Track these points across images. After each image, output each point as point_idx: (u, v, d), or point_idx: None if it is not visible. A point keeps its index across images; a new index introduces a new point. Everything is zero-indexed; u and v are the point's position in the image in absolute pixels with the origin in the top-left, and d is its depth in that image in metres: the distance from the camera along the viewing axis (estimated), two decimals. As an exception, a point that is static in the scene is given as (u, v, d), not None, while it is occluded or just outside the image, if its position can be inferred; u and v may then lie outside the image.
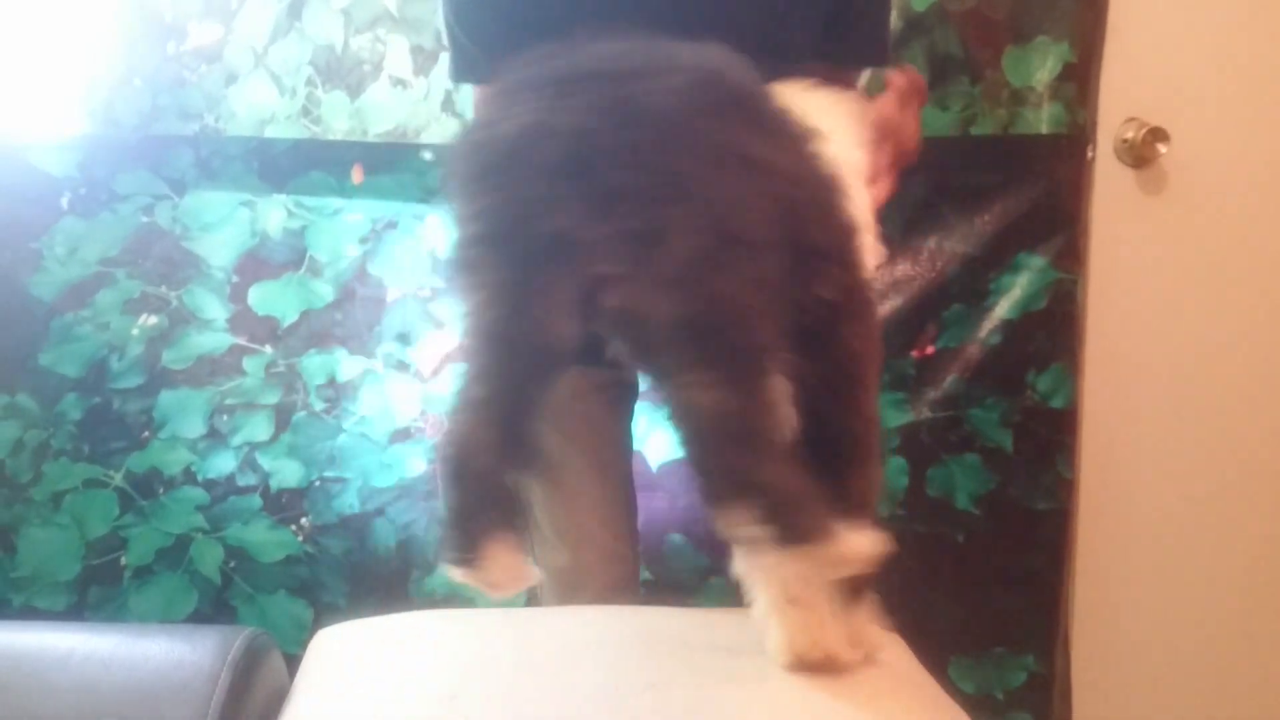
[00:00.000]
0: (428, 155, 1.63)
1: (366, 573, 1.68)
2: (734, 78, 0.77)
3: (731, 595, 1.01)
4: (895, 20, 1.59)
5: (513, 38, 1.19)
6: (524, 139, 0.68)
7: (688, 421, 0.69)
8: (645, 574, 1.61)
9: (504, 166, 0.69)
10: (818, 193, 0.79)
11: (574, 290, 0.69)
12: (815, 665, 0.86)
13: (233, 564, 1.67)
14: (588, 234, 0.67)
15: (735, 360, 0.68)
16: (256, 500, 1.66)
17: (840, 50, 1.34)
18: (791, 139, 0.78)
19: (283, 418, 1.66)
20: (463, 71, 1.23)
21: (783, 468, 0.68)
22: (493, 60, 1.20)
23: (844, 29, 1.31)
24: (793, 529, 0.66)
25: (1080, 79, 1.63)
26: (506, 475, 0.72)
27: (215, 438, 1.66)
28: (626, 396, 1.42)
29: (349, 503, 1.67)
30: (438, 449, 0.73)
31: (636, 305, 0.69)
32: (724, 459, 0.67)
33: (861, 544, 0.67)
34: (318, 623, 1.41)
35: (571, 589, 1.37)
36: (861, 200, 0.90)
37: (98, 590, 1.66)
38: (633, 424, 1.46)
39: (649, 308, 0.68)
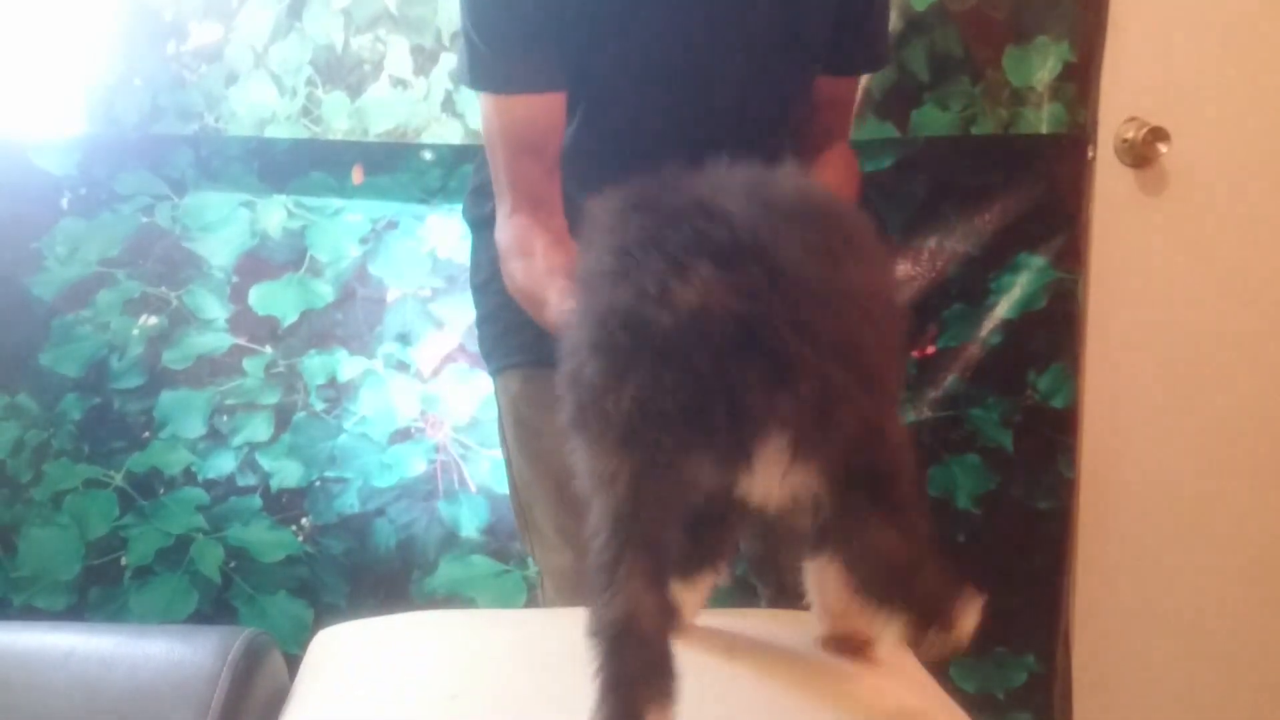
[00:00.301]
0: (428, 155, 1.63)
1: (367, 573, 1.68)
2: (849, 216, 0.82)
3: (732, 596, 1.01)
4: (895, 20, 1.59)
5: (529, 43, 1.20)
6: (696, 323, 0.68)
7: (865, 560, 0.77)
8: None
9: (675, 350, 0.68)
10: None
11: (740, 457, 0.72)
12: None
13: (233, 564, 1.67)
14: (761, 407, 0.70)
15: (907, 501, 0.77)
16: (257, 500, 1.66)
17: (847, 60, 1.34)
18: (886, 263, 0.83)
19: (283, 418, 1.66)
20: (478, 78, 1.22)
21: (933, 574, 0.78)
22: (510, 66, 1.19)
23: (851, 39, 1.32)
24: (941, 623, 0.77)
25: (1080, 79, 1.63)
26: (670, 639, 0.74)
27: (215, 438, 1.66)
28: None
29: (349, 503, 1.67)
30: (596, 621, 0.74)
31: (812, 464, 0.73)
32: (899, 587, 0.77)
33: (973, 621, 0.78)
34: (318, 623, 1.41)
35: (573, 590, 1.36)
36: None
37: (98, 590, 1.66)
38: None
39: (828, 468, 0.73)
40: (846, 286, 0.73)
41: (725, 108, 1.26)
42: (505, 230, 1.23)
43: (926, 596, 0.77)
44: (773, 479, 0.74)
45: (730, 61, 1.24)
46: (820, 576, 0.89)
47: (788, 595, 0.98)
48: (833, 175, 1.34)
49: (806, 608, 0.94)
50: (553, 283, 1.10)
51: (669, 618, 0.75)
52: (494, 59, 1.20)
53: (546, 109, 1.21)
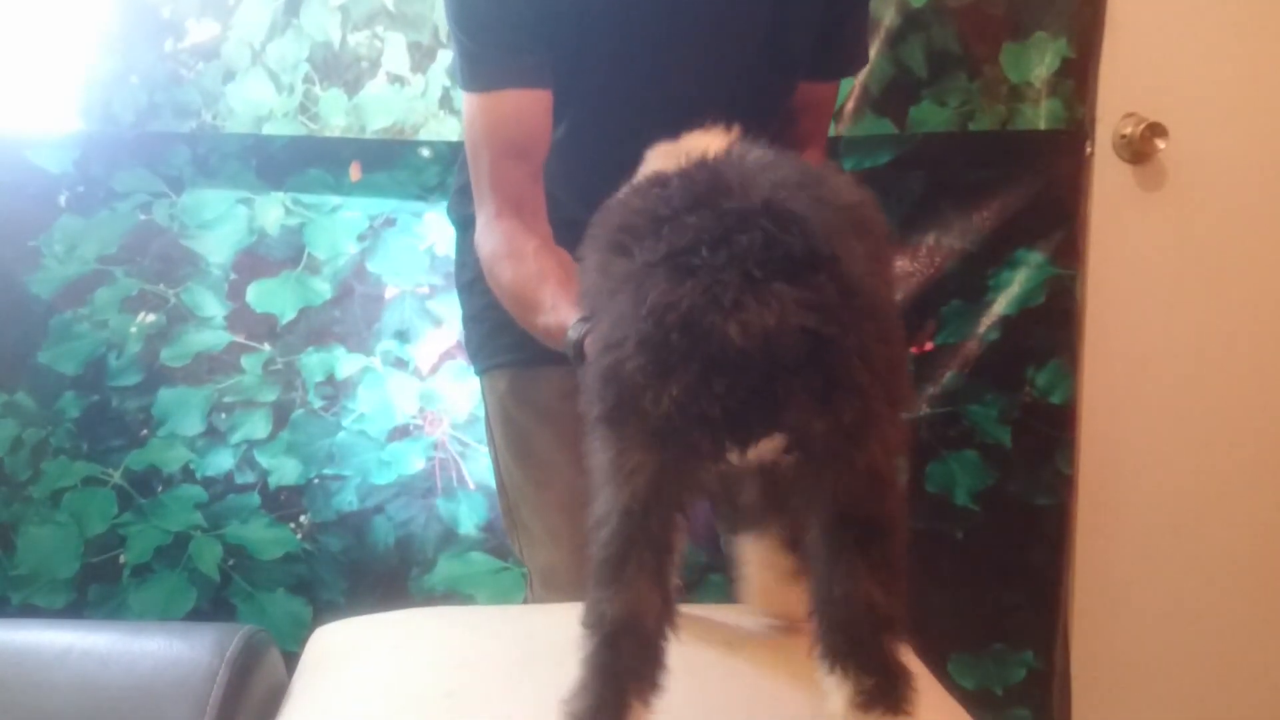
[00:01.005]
0: (425, 152, 1.63)
1: (365, 570, 1.68)
2: (881, 220, 0.84)
3: (729, 591, 1.01)
4: (894, 17, 1.60)
5: (517, 38, 1.19)
6: (765, 341, 0.68)
7: (845, 605, 0.74)
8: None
9: (733, 361, 0.68)
10: None
11: (757, 463, 0.73)
12: None
13: (231, 562, 1.67)
14: (802, 425, 0.70)
15: (897, 560, 0.75)
16: (255, 498, 1.66)
17: (830, 64, 1.35)
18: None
19: (281, 415, 1.66)
20: (465, 77, 1.20)
21: (895, 643, 0.75)
22: (496, 62, 1.19)
23: (835, 44, 1.32)
24: (894, 702, 0.74)
25: (1078, 75, 1.63)
26: (668, 635, 0.74)
27: (214, 435, 1.66)
28: None
29: (348, 500, 1.67)
30: (596, 615, 0.74)
31: (827, 488, 0.74)
32: (863, 646, 0.74)
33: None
34: (316, 620, 1.41)
35: (561, 589, 1.35)
36: None
37: (97, 588, 1.66)
38: None
39: (851, 496, 0.73)
40: (891, 308, 0.76)
41: (714, 114, 1.25)
42: (489, 235, 1.21)
43: (885, 664, 0.75)
44: (771, 479, 0.75)
45: (719, 69, 1.24)
46: (757, 554, 0.91)
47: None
48: None
49: None
50: (544, 286, 1.09)
51: (670, 615, 0.75)
52: (480, 54, 1.18)
53: (533, 107, 1.19)
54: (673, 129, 1.21)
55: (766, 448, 0.72)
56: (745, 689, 0.88)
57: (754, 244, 0.69)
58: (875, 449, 0.72)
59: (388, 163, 1.64)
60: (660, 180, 0.81)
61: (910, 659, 0.76)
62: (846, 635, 0.75)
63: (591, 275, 0.81)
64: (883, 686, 0.74)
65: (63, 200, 1.63)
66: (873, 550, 0.74)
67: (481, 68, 1.19)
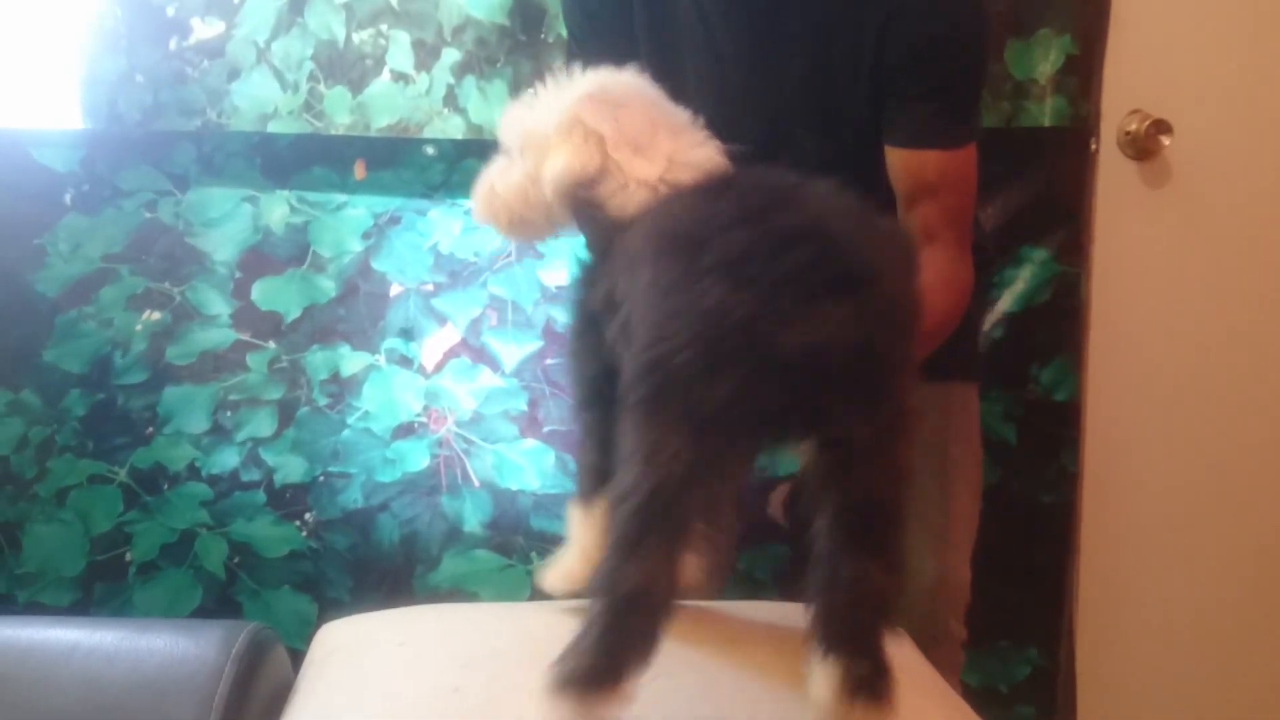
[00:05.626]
0: (430, 150, 1.63)
1: (370, 568, 1.68)
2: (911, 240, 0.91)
3: (739, 588, 1.01)
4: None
5: (607, 44, 1.21)
6: (818, 355, 0.74)
7: (852, 588, 0.78)
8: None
9: (786, 369, 0.73)
10: None
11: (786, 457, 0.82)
12: None
13: (237, 559, 1.67)
14: (843, 431, 0.77)
15: (900, 549, 0.80)
16: (260, 496, 1.66)
17: (898, 128, 1.26)
18: None
19: (286, 413, 1.66)
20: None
21: (883, 634, 0.79)
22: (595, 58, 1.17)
23: (898, 106, 1.25)
24: (881, 691, 0.77)
25: (1083, 71, 1.63)
26: (671, 612, 0.77)
27: (219, 433, 1.66)
28: None
29: (353, 498, 1.67)
30: (609, 583, 0.76)
31: (854, 481, 0.79)
32: (869, 626, 0.79)
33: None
34: (322, 617, 1.41)
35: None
36: None
37: (103, 586, 1.66)
38: None
39: (875, 487, 0.79)
40: (920, 319, 0.82)
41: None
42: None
43: (878, 653, 0.78)
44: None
45: (759, 124, 1.23)
46: (591, 521, 0.94)
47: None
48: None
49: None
50: None
51: (675, 593, 0.76)
52: (578, 51, 1.23)
53: None
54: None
55: (802, 447, 0.78)
56: (746, 687, 0.88)
57: (807, 259, 0.74)
58: (904, 446, 0.79)
59: (392, 161, 1.64)
60: (713, 191, 0.88)
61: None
62: (849, 619, 0.78)
63: (638, 271, 0.84)
64: (873, 675, 0.77)
65: (68, 198, 1.63)
66: (884, 536, 0.79)
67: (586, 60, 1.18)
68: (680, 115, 1.01)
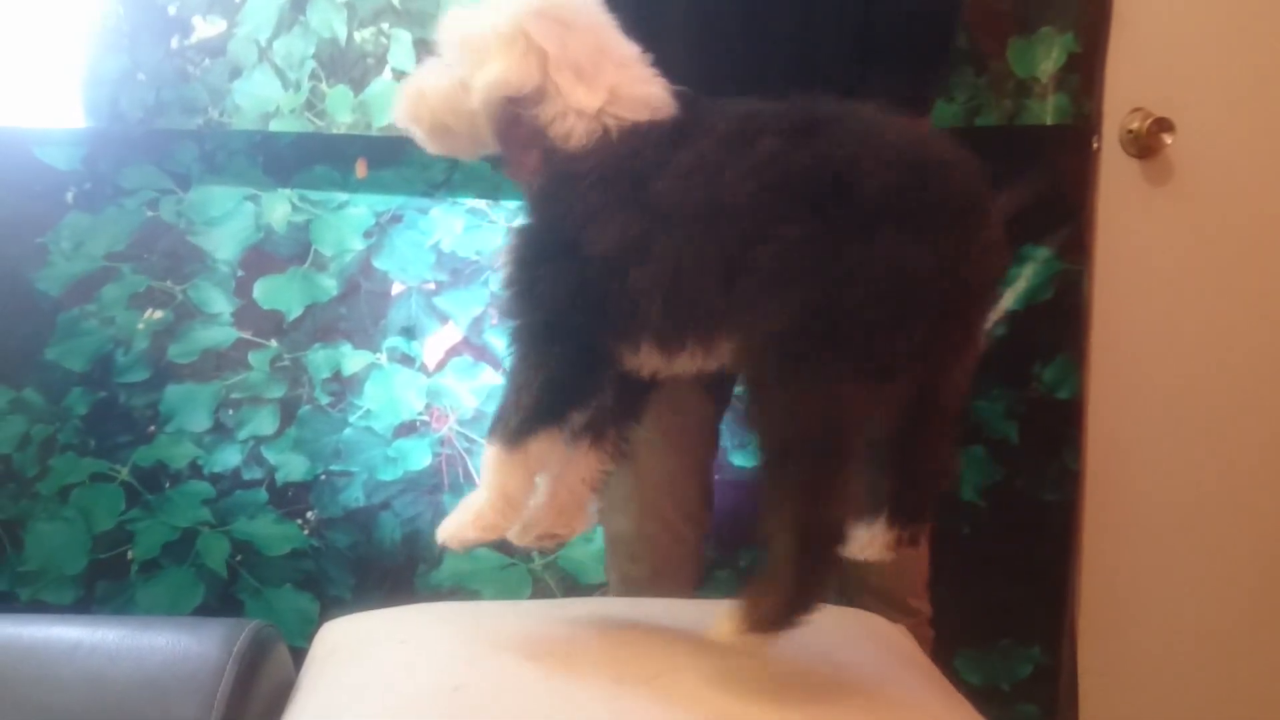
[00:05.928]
0: (432, 149, 1.63)
1: (372, 566, 1.68)
2: None
3: (738, 587, 1.01)
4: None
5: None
6: (976, 292, 0.86)
7: (926, 470, 0.91)
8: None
9: (961, 316, 0.86)
10: None
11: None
12: None
13: (239, 558, 1.67)
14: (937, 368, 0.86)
15: (955, 432, 0.92)
16: (262, 494, 1.66)
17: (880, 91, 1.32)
18: None
19: (288, 412, 1.66)
20: None
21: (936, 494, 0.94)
22: None
23: (882, 70, 1.29)
24: (914, 542, 0.93)
25: (1085, 69, 1.63)
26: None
27: (221, 432, 1.66)
28: (722, 388, 1.41)
29: (354, 496, 1.67)
30: (824, 532, 0.84)
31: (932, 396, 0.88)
32: (933, 500, 0.92)
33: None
34: (323, 616, 1.41)
35: (630, 559, 1.39)
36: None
37: (105, 584, 1.66)
38: (721, 419, 1.46)
39: (946, 399, 0.89)
40: None
41: None
42: None
43: (931, 515, 0.92)
44: None
45: (744, 83, 1.24)
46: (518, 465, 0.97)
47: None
48: None
49: None
50: None
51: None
52: None
53: None
54: None
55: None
56: (753, 685, 0.88)
57: (955, 195, 0.82)
58: (973, 365, 0.89)
59: (394, 159, 1.64)
60: (801, 131, 0.86)
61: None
62: (920, 492, 0.91)
63: (741, 223, 0.85)
64: (918, 533, 0.92)
65: (70, 197, 1.63)
66: (949, 429, 0.90)
67: None
68: (630, 48, 0.95)
